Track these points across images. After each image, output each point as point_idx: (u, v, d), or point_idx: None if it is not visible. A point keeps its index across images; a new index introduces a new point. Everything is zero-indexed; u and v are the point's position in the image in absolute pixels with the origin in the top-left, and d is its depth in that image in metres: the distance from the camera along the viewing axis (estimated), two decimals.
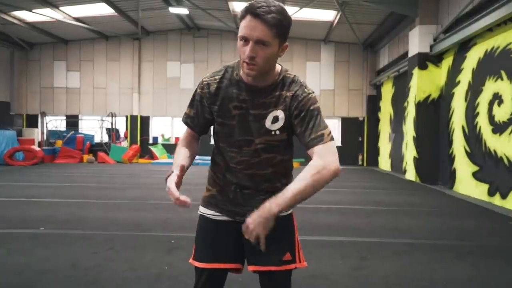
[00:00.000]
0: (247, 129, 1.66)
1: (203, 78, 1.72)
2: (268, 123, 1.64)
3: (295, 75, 1.68)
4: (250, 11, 1.50)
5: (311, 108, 1.59)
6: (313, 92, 1.65)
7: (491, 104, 7.99)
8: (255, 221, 1.43)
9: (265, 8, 1.48)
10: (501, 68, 7.65)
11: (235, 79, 1.65)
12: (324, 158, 1.51)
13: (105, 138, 18.89)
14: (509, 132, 7.33)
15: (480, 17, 8.02)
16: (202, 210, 1.81)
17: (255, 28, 1.48)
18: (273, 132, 1.65)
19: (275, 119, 1.64)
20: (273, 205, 1.44)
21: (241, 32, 1.52)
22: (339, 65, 17.93)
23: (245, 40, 1.52)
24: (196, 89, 1.73)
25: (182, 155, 1.73)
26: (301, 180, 1.48)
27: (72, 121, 19.18)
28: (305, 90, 1.63)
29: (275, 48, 1.54)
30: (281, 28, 1.51)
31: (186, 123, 1.81)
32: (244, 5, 1.50)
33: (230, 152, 1.70)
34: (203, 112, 1.74)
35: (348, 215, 6.22)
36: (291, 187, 1.48)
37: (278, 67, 1.66)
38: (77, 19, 16.00)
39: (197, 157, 1.90)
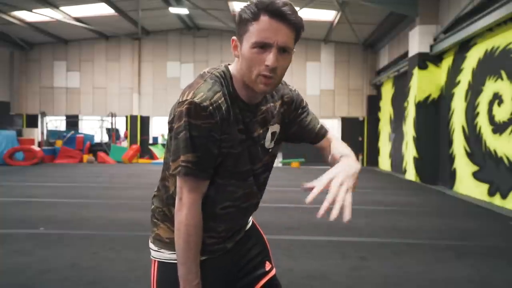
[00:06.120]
0: (251, 155, 1.38)
1: (200, 101, 1.22)
2: (267, 143, 1.42)
3: None
4: (268, 9, 1.19)
5: (304, 102, 1.51)
6: (293, 87, 1.52)
7: (491, 104, 7.99)
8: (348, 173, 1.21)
9: (288, 7, 1.21)
10: (501, 68, 7.65)
11: (232, 94, 1.31)
12: (346, 147, 1.45)
13: (105, 138, 18.90)
14: (509, 132, 7.32)
15: (480, 17, 8.02)
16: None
17: (279, 31, 1.20)
18: (270, 150, 1.44)
19: (273, 136, 1.43)
20: (353, 162, 1.30)
21: (257, 36, 1.20)
22: (339, 65, 17.93)
23: (262, 46, 1.21)
24: (189, 122, 1.22)
25: (199, 257, 1.33)
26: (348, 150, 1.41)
27: (72, 121, 19.18)
28: (291, 88, 1.49)
29: (291, 56, 1.28)
30: (300, 31, 1.26)
31: (195, 175, 1.26)
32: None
33: (229, 186, 1.37)
34: (213, 148, 1.27)
35: None
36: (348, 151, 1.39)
37: None
38: (77, 19, 16.00)
39: None
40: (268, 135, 1.41)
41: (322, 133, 1.50)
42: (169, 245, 1.37)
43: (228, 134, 1.29)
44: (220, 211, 1.38)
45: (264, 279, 1.51)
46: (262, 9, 1.20)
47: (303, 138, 1.50)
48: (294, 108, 1.47)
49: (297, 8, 10.75)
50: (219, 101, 1.25)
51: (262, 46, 1.21)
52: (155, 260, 1.43)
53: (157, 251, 1.42)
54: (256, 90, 1.27)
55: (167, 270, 1.37)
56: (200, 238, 1.31)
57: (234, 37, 1.29)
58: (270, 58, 1.21)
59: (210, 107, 1.22)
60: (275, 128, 1.43)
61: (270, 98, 1.41)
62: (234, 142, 1.31)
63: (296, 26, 1.23)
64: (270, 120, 1.41)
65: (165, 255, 1.39)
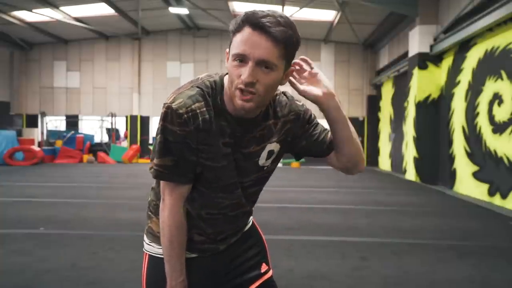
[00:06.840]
0: (239, 169, 1.34)
1: (176, 108, 1.20)
2: (262, 161, 1.37)
3: (283, 93, 1.41)
4: (250, 21, 1.15)
5: (312, 116, 1.43)
6: (301, 101, 1.45)
7: (491, 104, 7.98)
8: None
9: (271, 18, 1.15)
10: (501, 68, 7.64)
11: (219, 106, 1.26)
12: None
13: (105, 138, 18.90)
14: (509, 132, 7.32)
15: (480, 17, 8.02)
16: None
17: (258, 44, 1.14)
18: (265, 168, 1.39)
19: (270, 154, 1.37)
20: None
21: (236, 49, 1.17)
22: (339, 65, 17.93)
23: (241, 59, 1.16)
24: (165, 126, 1.22)
25: (184, 256, 1.36)
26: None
27: (72, 121, 19.19)
28: (298, 103, 1.41)
29: (280, 74, 1.21)
30: (290, 46, 1.18)
31: (169, 179, 1.27)
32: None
33: (216, 198, 1.35)
34: (190, 155, 1.26)
35: (348, 215, 6.21)
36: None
37: None
38: (77, 19, 16.00)
39: None
40: (264, 153, 1.36)
41: (332, 146, 1.40)
42: (159, 239, 1.37)
43: (207, 145, 1.26)
44: (206, 215, 1.38)
45: (257, 282, 1.49)
46: (245, 20, 1.16)
47: (312, 152, 1.43)
48: (300, 126, 1.40)
49: (296, 8, 10.58)
50: (198, 111, 1.21)
51: (241, 59, 1.16)
52: (146, 253, 1.46)
53: (149, 244, 1.45)
54: (235, 106, 1.21)
55: (156, 265, 1.40)
56: (184, 237, 1.33)
57: (227, 49, 1.25)
58: (243, 71, 1.16)
59: (185, 115, 1.20)
60: (273, 146, 1.37)
61: (272, 114, 1.35)
62: (215, 155, 1.28)
63: (279, 40, 1.14)
64: (269, 138, 1.35)
65: (155, 249, 1.42)
